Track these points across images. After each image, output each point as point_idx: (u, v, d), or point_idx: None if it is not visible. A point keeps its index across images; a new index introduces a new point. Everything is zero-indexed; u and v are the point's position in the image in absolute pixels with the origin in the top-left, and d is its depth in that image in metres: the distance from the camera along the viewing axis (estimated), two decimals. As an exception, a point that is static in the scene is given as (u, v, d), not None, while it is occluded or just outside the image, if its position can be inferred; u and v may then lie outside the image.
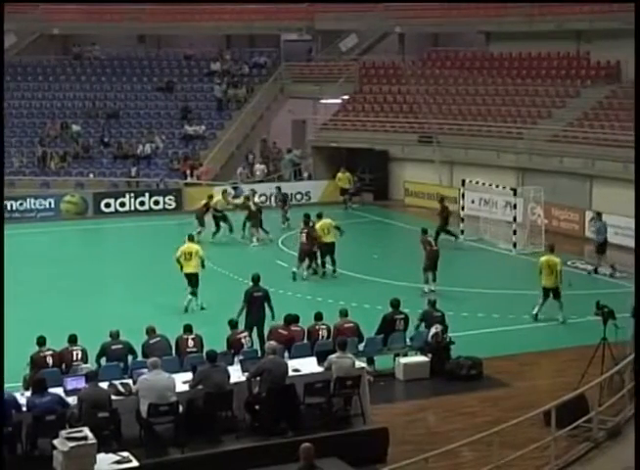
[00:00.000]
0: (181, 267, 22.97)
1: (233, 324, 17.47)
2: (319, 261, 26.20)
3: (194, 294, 22.66)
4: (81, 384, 13.78)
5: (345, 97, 43.06)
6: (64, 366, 15.83)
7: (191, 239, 23.90)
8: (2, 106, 40.18)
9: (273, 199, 36.26)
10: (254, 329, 18.61)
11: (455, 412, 16.43)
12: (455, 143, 37.89)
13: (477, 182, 32.04)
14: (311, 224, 26.47)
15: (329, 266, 26.17)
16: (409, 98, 41.36)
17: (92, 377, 13.74)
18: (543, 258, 22.11)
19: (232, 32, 47.51)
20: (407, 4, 43.83)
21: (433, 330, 18.47)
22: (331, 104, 43.07)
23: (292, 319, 17.66)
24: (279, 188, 36.16)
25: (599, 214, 28.39)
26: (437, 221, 29.82)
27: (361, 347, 17.85)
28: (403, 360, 18.22)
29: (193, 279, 22.82)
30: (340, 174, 38.02)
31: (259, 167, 41.78)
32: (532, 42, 40.61)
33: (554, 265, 21.70)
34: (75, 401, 13.42)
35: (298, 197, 39.35)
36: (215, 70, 45.67)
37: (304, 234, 26.12)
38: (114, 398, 13.64)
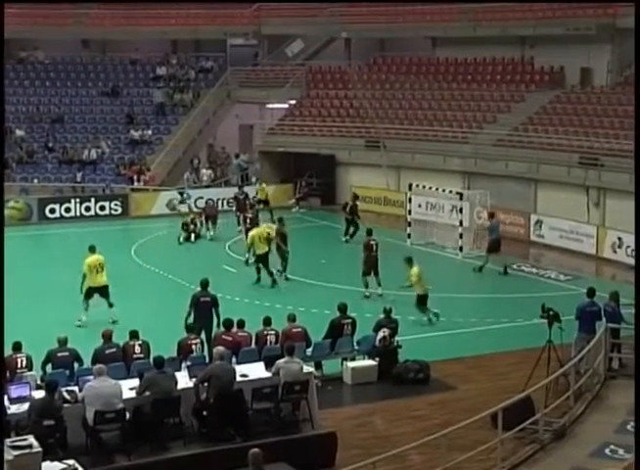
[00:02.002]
0: (82, 281, 22.10)
1: (190, 328, 17.40)
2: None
3: (111, 305, 22.02)
4: (26, 392, 13.63)
5: (292, 102, 43.12)
6: (7, 374, 15.63)
7: (93, 250, 22.71)
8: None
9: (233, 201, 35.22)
10: (202, 335, 18.52)
11: (403, 416, 16.51)
12: (402, 147, 38.10)
13: (423, 186, 32.25)
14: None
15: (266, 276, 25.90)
16: (356, 103, 41.51)
17: (53, 387, 13.46)
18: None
19: (178, 37, 47.31)
20: (353, 9, 44.00)
21: (380, 334, 18.54)
22: (278, 109, 43.11)
23: (229, 324, 17.59)
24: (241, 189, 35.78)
25: (492, 214, 28.85)
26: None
27: (309, 351, 17.86)
28: (351, 365, 18.27)
29: (106, 291, 22.18)
30: (258, 186, 37.25)
31: (206, 172, 41.62)
32: (478, 47, 41.01)
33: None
34: (20, 409, 13.28)
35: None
36: (161, 74, 45.45)
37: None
38: (62, 405, 13.51)
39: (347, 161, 39.75)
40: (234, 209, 34.18)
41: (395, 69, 43.39)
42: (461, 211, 30.28)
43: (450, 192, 31.33)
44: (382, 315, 19.11)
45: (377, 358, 18.37)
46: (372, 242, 25.10)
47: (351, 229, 32.10)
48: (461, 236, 29.96)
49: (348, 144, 39.87)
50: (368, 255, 24.73)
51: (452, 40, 41.96)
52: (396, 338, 18.82)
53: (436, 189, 31.84)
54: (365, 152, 39.25)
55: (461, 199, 30.57)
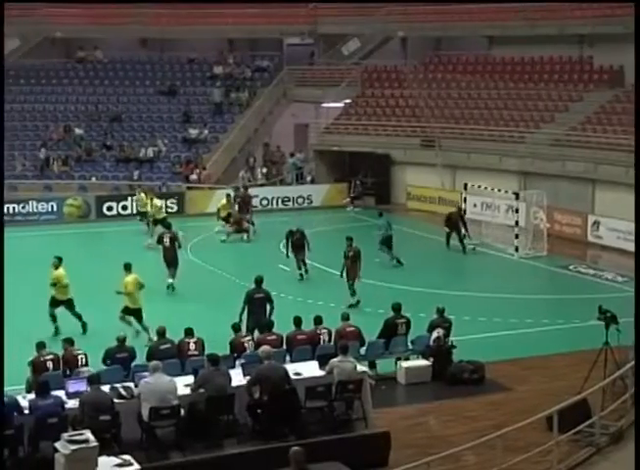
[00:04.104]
0: (54, 295, 21.31)
1: (236, 328, 17.47)
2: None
3: (80, 318, 21.39)
4: (83, 387, 13.77)
5: (348, 101, 43.06)
6: (67, 370, 15.83)
7: (57, 266, 21.66)
8: (2, 107, 39.86)
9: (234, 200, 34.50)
10: (255, 331, 18.59)
11: (457, 416, 16.40)
12: (457, 147, 37.88)
13: (479, 186, 32.03)
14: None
15: None
16: (411, 102, 41.35)
17: (94, 380, 13.73)
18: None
19: (235, 36, 47.50)
20: (410, 8, 43.85)
21: (434, 334, 18.44)
22: (333, 108, 43.06)
23: (299, 322, 17.73)
24: (237, 188, 35.59)
25: (381, 214, 29.60)
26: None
27: (363, 350, 17.83)
28: (405, 364, 18.20)
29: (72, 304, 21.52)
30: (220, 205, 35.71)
31: (261, 171, 41.81)
32: (535, 46, 40.62)
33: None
34: (77, 404, 13.42)
35: (300, 200, 39.43)
36: (218, 73, 45.68)
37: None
38: (115, 401, 13.64)
39: (402, 160, 39.62)
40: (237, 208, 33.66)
41: (452, 68, 43.14)
42: (517, 211, 30.02)
43: (506, 192, 31.08)
44: (435, 315, 19.00)
45: (431, 358, 18.26)
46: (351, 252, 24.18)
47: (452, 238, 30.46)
48: (517, 236, 29.71)
49: (404, 143, 39.72)
50: (349, 262, 23.91)
51: (509, 39, 41.62)
52: (450, 338, 18.70)
53: (492, 189, 31.61)
54: (420, 151, 39.08)
55: (517, 199, 30.30)
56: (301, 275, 26.40)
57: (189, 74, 46.23)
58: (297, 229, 26.97)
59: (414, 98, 41.33)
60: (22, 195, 37.58)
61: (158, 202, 32.59)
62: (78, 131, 42.16)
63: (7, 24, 44.44)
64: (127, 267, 21.16)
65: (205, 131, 42.67)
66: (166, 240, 25.39)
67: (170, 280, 25.11)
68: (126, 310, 20.76)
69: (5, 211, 36.07)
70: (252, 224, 32.96)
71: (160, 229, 28.93)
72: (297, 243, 26.64)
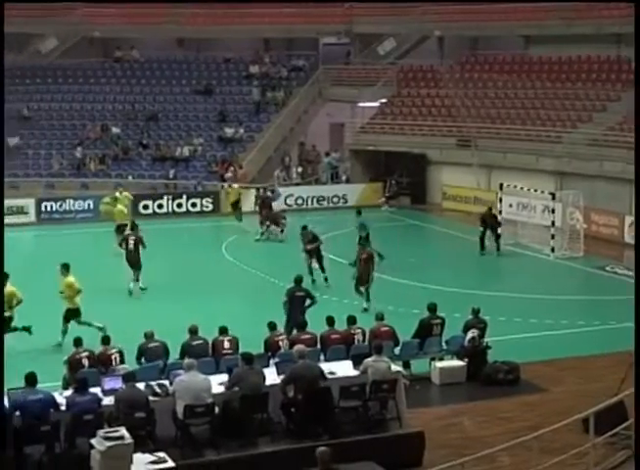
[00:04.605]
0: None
1: (272, 326, 17.50)
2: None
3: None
4: (118, 384, 13.84)
5: (384, 100, 43.01)
6: (102, 368, 15.92)
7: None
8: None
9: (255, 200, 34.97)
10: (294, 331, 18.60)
11: (492, 417, 16.31)
12: (494, 147, 37.70)
13: (515, 186, 31.86)
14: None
15: None
16: (447, 101, 41.24)
17: (129, 378, 13.80)
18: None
19: (271, 36, 47.61)
20: (446, 7, 43.72)
21: (469, 334, 18.35)
22: (369, 107, 43.03)
23: (332, 321, 17.70)
24: (264, 189, 35.70)
25: (359, 212, 29.44)
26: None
27: (397, 350, 17.78)
28: (439, 364, 18.13)
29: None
30: (229, 189, 36.35)
31: (297, 170, 41.87)
32: (572, 45, 40.35)
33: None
34: (113, 402, 13.51)
35: (335, 200, 39.45)
36: (254, 73, 45.79)
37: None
38: (150, 398, 13.70)
39: (438, 159, 39.50)
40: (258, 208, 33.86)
41: (488, 67, 42.97)
42: (553, 211, 29.82)
43: (542, 192, 30.90)
44: (470, 316, 18.92)
45: (466, 359, 18.18)
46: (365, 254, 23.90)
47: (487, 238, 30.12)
48: (553, 237, 29.51)
49: (439, 143, 39.61)
50: (364, 265, 23.48)
51: (546, 38, 41.37)
52: (485, 338, 18.61)
53: (528, 189, 31.43)
54: (456, 151, 38.95)
55: (553, 199, 30.11)
56: (326, 279, 25.44)
57: (225, 74, 46.38)
58: (310, 231, 26.45)
59: (450, 98, 41.20)
60: (60, 193, 37.88)
61: (122, 207, 31.21)
62: (115, 130, 42.44)
63: (46, 24, 45.03)
64: (66, 268, 20.60)
65: (241, 130, 42.79)
66: (131, 242, 25.11)
67: (132, 284, 24.66)
68: (69, 312, 20.18)
69: (42, 208, 36.45)
70: (276, 225, 32.77)
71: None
72: (313, 248, 25.82)
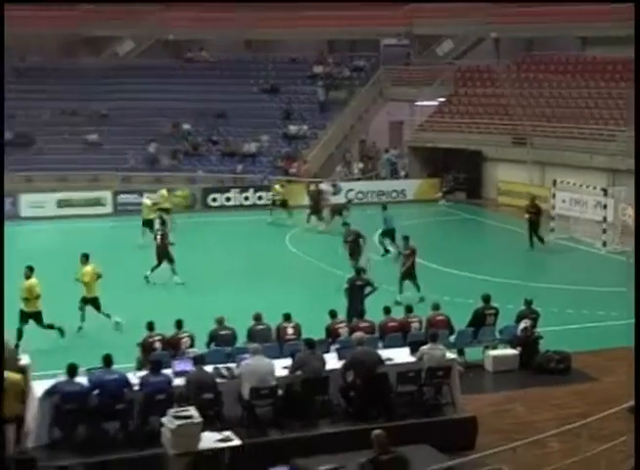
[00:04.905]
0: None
1: (333, 314, 17.56)
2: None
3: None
4: (188, 366, 14.01)
5: (442, 99, 42.79)
6: (172, 350, 16.12)
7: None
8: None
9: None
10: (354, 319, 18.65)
11: (543, 404, 16.20)
12: (548, 144, 37.29)
13: (567, 182, 31.51)
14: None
15: None
16: (503, 100, 40.88)
17: (199, 361, 13.97)
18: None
19: (334, 37, 47.61)
20: (503, 9, 43.32)
21: (522, 324, 18.25)
22: (427, 106, 42.85)
23: (389, 309, 17.77)
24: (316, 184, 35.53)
25: (385, 207, 28.97)
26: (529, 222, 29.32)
27: (452, 339, 17.74)
28: (493, 353, 18.04)
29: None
30: (277, 187, 35.99)
31: (357, 166, 41.87)
32: (628, 46, 39.62)
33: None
34: (183, 383, 13.69)
35: (394, 194, 39.38)
36: (318, 73, 45.85)
37: None
38: (218, 380, 13.86)
39: (494, 156, 39.22)
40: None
41: (543, 67, 42.46)
42: (605, 207, 29.44)
43: (594, 188, 30.51)
44: (523, 307, 18.79)
45: (518, 348, 18.07)
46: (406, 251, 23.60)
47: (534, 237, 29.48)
48: (604, 231, 29.15)
49: (495, 140, 39.29)
50: (411, 262, 23.16)
51: (603, 39, 40.70)
52: (537, 329, 18.47)
53: (580, 185, 31.06)
54: (511, 148, 38.62)
55: (605, 195, 29.72)
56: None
57: (290, 74, 46.47)
58: (353, 230, 25.81)
59: (506, 97, 40.85)
60: (135, 186, 38.34)
61: (148, 201, 31.08)
62: (186, 127, 42.80)
63: (123, 28, 45.57)
64: (85, 257, 20.50)
65: (305, 127, 42.88)
66: (159, 237, 25.22)
67: (176, 278, 24.65)
68: (84, 300, 20.22)
69: (119, 200, 36.92)
70: (340, 215, 32.43)
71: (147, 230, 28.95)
72: (353, 245, 25.20)
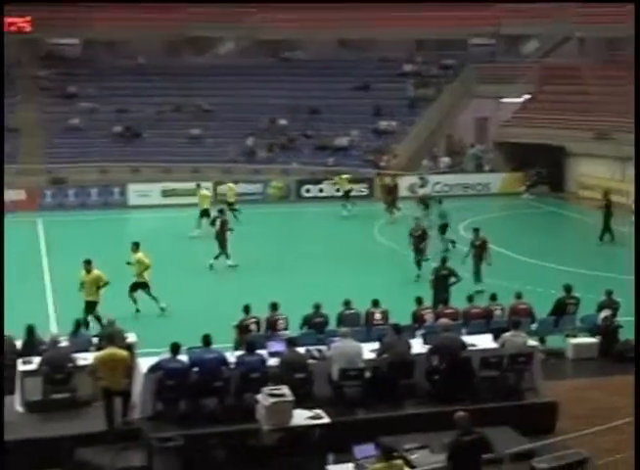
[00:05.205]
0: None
1: (419, 300, 17.48)
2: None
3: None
4: (282, 348, 14.10)
5: (527, 96, 42.12)
6: (269, 331, 16.25)
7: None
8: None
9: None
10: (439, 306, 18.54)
11: (623, 391, 15.74)
12: (629, 140, 36.34)
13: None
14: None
15: None
16: (587, 98, 39.99)
17: (292, 342, 14.05)
18: None
19: (424, 37, 47.23)
20: (588, 9, 42.38)
21: (602, 314, 17.87)
22: (512, 103, 42.21)
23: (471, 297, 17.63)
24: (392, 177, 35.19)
25: (440, 201, 28.49)
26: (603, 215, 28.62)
27: (534, 327, 17.47)
28: (573, 341, 17.70)
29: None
30: (337, 178, 35.77)
31: (444, 160, 41.53)
32: None
33: None
34: (277, 363, 13.78)
35: (479, 188, 39.01)
36: (407, 71, 45.60)
37: None
38: (309, 361, 13.92)
39: (576, 152, 38.47)
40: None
41: (627, 66, 41.36)
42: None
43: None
44: (604, 297, 18.39)
45: (598, 336, 17.70)
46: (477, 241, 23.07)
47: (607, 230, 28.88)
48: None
49: (578, 136, 38.50)
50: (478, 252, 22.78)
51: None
52: (618, 318, 18.06)
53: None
54: (593, 144, 37.80)
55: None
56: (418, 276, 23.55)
57: (380, 72, 46.26)
58: (421, 225, 25.10)
59: (589, 94, 39.95)
60: (234, 177, 38.64)
61: (205, 192, 31.08)
62: (282, 122, 43.01)
63: (224, 29, 46.01)
64: (135, 245, 20.65)
65: (394, 123, 42.70)
66: (217, 223, 25.32)
67: (229, 261, 24.72)
68: (136, 285, 20.43)
69: (218, 191, 37.29)
70: (426, 207, 32.19)
71: (205, 220, 28.92)
72: (419, 242, 24.33)
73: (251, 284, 22.77)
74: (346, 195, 34.57)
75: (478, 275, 22.52)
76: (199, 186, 31.69)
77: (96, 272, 19.06)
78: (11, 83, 43.13)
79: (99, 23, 44.32)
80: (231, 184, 33.38)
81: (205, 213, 29.70)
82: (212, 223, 26.12)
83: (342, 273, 24.04)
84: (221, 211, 26.19)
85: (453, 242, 26.91)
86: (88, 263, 19.11)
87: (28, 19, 44.44)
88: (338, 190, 35.17)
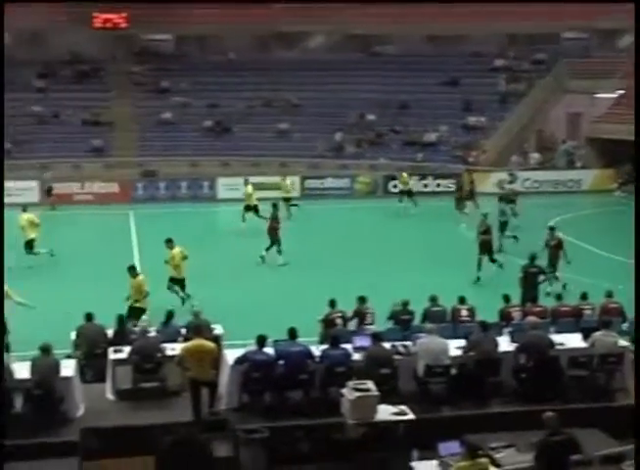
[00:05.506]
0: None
1: (507, 298, 17.26)
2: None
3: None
4: (367, 342, 14.09)
5: (621, 92, 41.12)
6: (359, 323, 16.23)
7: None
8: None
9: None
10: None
11: None
12: None
13: None
14: None
15: None
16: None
17: (377, 337, 14.02)
18: None
19: (516, 32, 46.53)
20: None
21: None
22: (606, 98, 41.26)
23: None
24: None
25: (501, 198, 27.88)
26: None
27: (625, 326, 17.04)
28: (667, 342, 17.22)
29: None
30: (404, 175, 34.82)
31: (534, 156, 40.88)
32: None
33: None
34: (361, 357, 13.78)
35: (570, 184, 38.29)
36: (499, 66, 45.04)
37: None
38: (395, 357, 13.88)
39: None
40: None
41: None
42: None
43: None
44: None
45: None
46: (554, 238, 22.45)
47: None
48: None
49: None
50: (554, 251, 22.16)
51: None
52: None
53: None
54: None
55: None
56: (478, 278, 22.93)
57: (471, 67, 45.77)
58: (487, 223, 24.12)
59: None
60: (321, 172, 38.86)
61: (250, 188, 30.57)
62: (370, 117, 42.94)
63: (315, 24, 46.12)
64: (170, 242, 20.59)
65: (483, 119, 42.22)
66: (269, 218, 25.34)
67: (265, 254, 24.73)
68: (172, 280, 20.47)
69: (306, 185, 37.50)
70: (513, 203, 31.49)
71: (251, 215, 28.93)
72: (485, 240, 23.63)
73: (335, 278, 22.76)
74: (409, 193, 34.06)
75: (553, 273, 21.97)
76: (247, 182, 31.30)
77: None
78: (106, 79, 44.20)
79: (191, 19, 44.98)
80: (288, 181, 33.18)
81: (251, 208, 29.66)
82: (263, 217, 26.08)
83: (428, 269, 23.87)
84: (275, 206, 26.30)
85: (515, 237, 26.46)
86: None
87: (124, 15, 45.37)
88: (402, 191, 34.60)
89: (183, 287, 20.63)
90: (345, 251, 26.64)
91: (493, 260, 23.53)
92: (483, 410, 13.61)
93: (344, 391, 12.62)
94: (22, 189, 35.16)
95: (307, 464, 12.59)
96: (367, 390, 12.49)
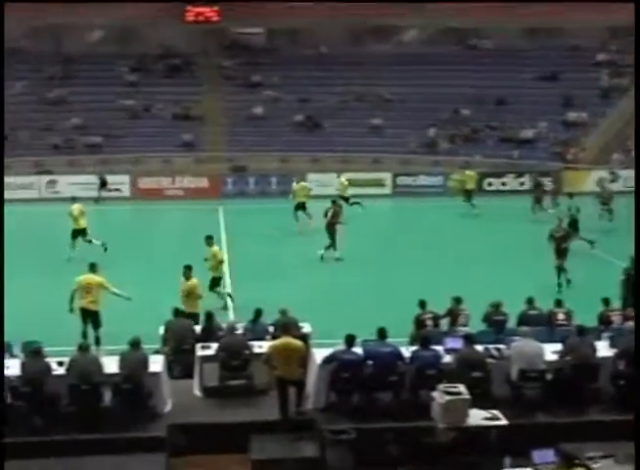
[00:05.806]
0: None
1: (606, 301, 16.88)
2: None
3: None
4: (459, 344, 13.97)
5: None
6: (451, 323, 16.13)
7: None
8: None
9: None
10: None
11: None
12: None
13: None
14: None
15: None
16: None
17: (469, 339, 13.90)
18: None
19: (618, 24, 45.45)
20: None
21: None
22: None
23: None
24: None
25: (571, 195, 27.33)
26: None
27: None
28: None
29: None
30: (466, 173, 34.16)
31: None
32: None
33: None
34: (452, 359, 13.67)
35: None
36: (600, 60, 44.13)
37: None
38: (487, 360, 13.73)
39: None
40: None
41: None
42: None
43: None
44: None
45: None
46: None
47: None
48: None
49: None
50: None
51: None
52: None
53: None
54: None
55: None
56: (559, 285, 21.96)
57: (571, 61, 44.93)
58: (564, 227, 23.41)
59: None
60: (414, 169, 38.68)
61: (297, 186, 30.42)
62: (465, 113, 42.56)
63: (410, 17, 45.94)
64: (210, 239, 20.57)
65: (584, 114, 41.43)
66: (329, 213, 25.23)
67: (321, 251, 24.68)
68: (214, 281, 20.27)
69: (398, 182, 37.38)
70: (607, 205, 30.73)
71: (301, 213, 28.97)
72: (561, 246, 22.39)
73: (425, 278, 22.63)
74: (468, 193, 33.42)
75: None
76: (297, 182, 31.21)
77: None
78: (196, 73, 44.86)
79: (282, 12, 45.29)
80: (343, 179, 32.82)
81: (300, 207, 29.60)
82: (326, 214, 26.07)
83: (520, 270, 23.51)
84: (334, 202, 26.26)
85: (592, 242, 25.63)
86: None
87: (216, 9, 46.01)
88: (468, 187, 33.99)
89: (219, 286, 20.60)
90: (436, 249, 26.48)
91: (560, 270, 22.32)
92: (580, 418, 13.35)
93: (435, 394, 12.54)
94: (117, 183, 36.23)
95: (395, 468, 12.54)
96: (458, 393, 12.39)
